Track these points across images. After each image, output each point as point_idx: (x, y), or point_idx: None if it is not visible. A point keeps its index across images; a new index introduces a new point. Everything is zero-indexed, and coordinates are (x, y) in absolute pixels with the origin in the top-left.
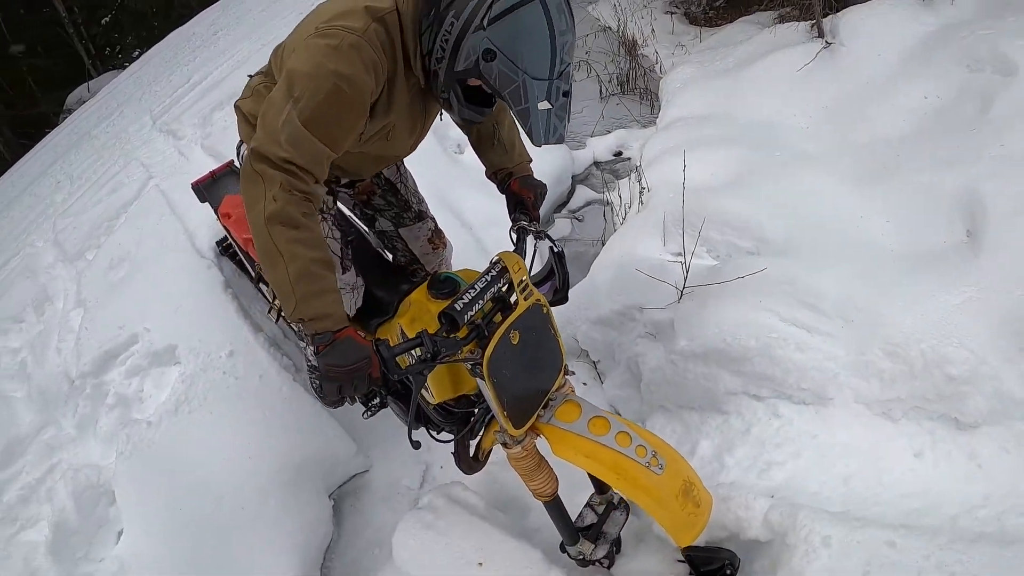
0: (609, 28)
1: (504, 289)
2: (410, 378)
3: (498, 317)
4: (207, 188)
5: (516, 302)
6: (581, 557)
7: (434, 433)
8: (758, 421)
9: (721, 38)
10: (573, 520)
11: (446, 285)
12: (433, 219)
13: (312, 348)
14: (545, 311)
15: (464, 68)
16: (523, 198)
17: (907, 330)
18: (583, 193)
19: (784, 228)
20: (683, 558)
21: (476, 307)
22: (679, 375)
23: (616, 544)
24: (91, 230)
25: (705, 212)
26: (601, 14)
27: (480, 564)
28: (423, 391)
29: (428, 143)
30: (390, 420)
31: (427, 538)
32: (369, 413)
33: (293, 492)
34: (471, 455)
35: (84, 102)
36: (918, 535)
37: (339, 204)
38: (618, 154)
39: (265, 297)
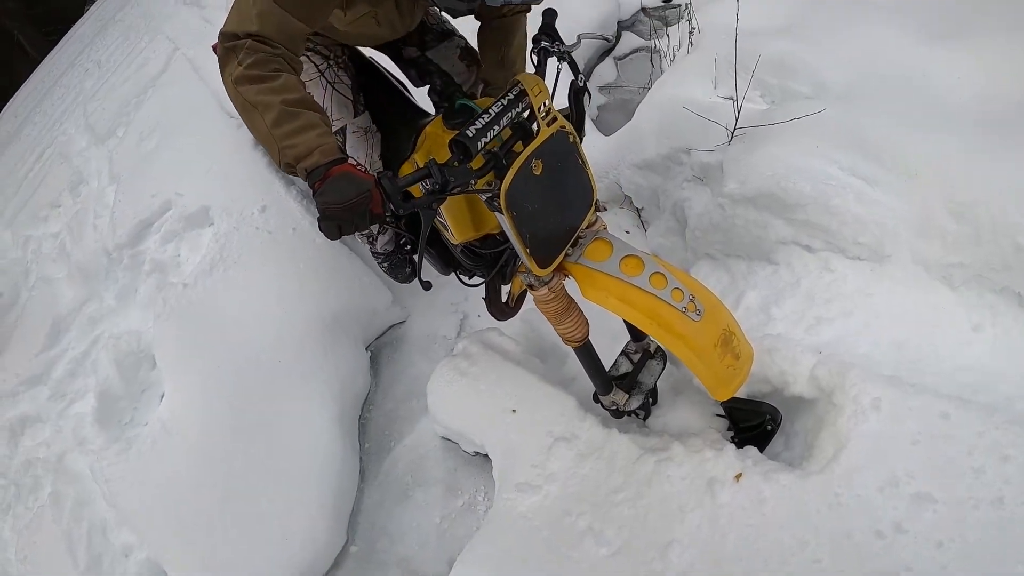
0: None
1: (525, 115)
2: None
3: (518, 146)
4: None
5: (538, 129)
6: (615, 408)
7: (464, 278)
8: (809, 274)
9: None
10: (607, 369)
11: (461, 113)
12: (463, 37)
13: (310, 188)
14: (572, 139)
15: None
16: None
17: (976, 191)
18: (629, 40)
19: (845, 74)
20: (722, 412)
21: (491, 133)
22: (727, 220)
23: (652, 395)
24: (120, 108)
25: (759, 53)
26: None
27: (514, 411)
28: (444, 230)
29: None
30: (427, 270)
31: (461, 385)
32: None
33: (330, 344)
34: (503, 301)
35: None
36: (974, 410)
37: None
38: (667, 0)
39: None
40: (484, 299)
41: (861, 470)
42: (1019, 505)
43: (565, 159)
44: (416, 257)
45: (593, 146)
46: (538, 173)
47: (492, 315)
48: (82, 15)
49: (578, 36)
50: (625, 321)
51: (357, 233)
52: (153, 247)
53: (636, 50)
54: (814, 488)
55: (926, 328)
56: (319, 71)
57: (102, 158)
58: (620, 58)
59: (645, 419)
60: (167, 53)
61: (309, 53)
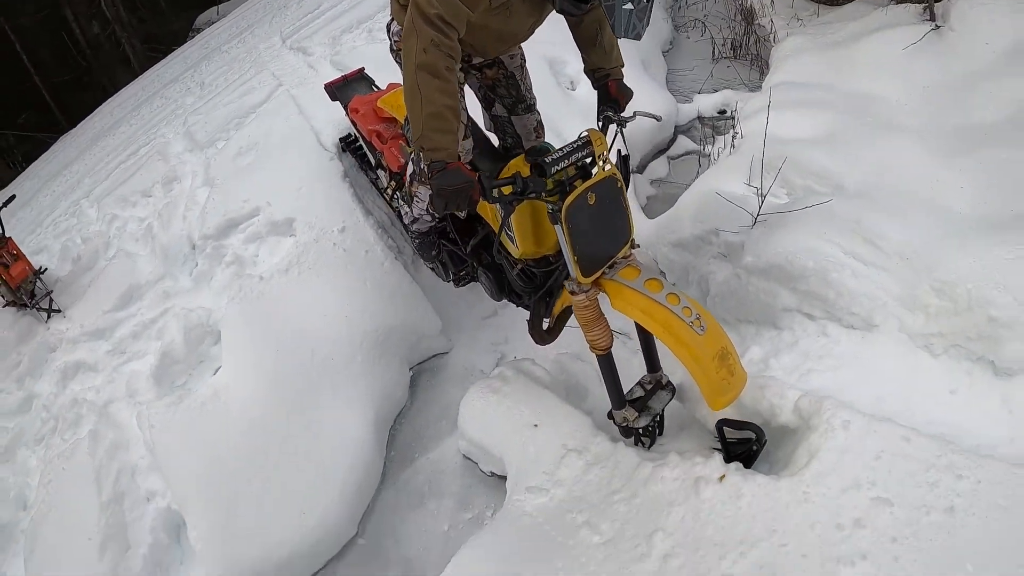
0: None
1: (588, 161)
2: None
3: (579, 182)
4: (339, 89)
5: (595, 172)
6: (625, 424)
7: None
8: (807, 336)
9: (838, 15)
10: (624, 395)
11: (540, 152)
12: (539, 113)
13: (428, 173)
14: (619, 185)
15: None
16: (617, 99)
17: (958, 271)
18: (683, 143)
19: (861, 180)
20: (716, 433)
21: (561, 164)
22: (742, 288)
23: (659, 425)
24: (221, 124)
25: (789, 157)
26: None
27: (535, 426)
28: (510, 243)
29: (543, 76)
30: (475, 309)
31: (491, 401)
32: (460, 283)
33: (379, 355)
34: (544, 328)
35: (213, 23)
36: (935, 440)
37: (467, 86)
38: (722, 112)
39: (379, 182)
40: (528, 321)
41: (828, 475)
42: (969, 515)
43: (614, 198)
44: (443, 244)
45: (638, 226)
46: (591, 203)
47: (533, 338)
48: (187, 40)
49: (634, 112)
50: (643, 351)
51: (405, 215)
52: (237, 243)
53: (688, 152)
54: (786, 487)
55: (906, 388)
56: None
57: (198, 163)
58: (673, 158)
59: (649, 447)
60: (271, 87)
61: None
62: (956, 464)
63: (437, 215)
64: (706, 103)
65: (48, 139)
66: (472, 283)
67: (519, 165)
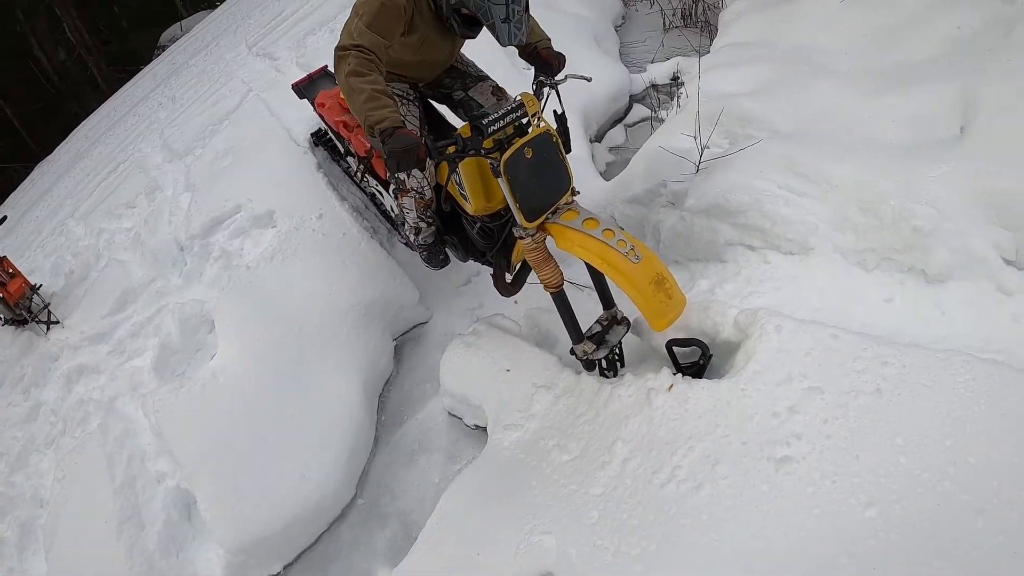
0: None
1: (524, 122)
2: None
3: (518, 140)
4: (306, 87)
5: (531, 129)
6: (585, 357)
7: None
8: (749, 265)
9: None
10: (584, 332)
11: (481, 117)
12: (493, 80)
13: (381, 141)
14: (554, 140)
15: (456, 1)
16: (548, 61)
17: (881, 191)
18: (639, 111)
19: (795, 122)
20: (667, 351)
21: (498, 125)
22: (687, 229)
23: (620, 358)
24: (197, 133)
25: (727, 108)
26: None
27: (508, 370)
28: (464, 201)
29: (503, 62)
30: (451, 279)
31: (467, 355)
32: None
33: (363, 326)
34: (508, 281)
35: (178, 39)
36: (862, 335)
37: (422, 96)
38: (675, 78)
39: (350, 168)
40: (492, 275)
41: (763, 372)
42: (895, 395)
43: (550, 151)
44: (446, 249)
45: (595, 188)
46: (528, 156)
47: (498, 290)
48: (153, 58)
49: (566, 75)
50: (597, 290)
51: (407, 230)
52: (222, 239)
53: (643, 119)
54: (726, 387)
55: (843, 301)
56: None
57: (178, 171)
58: (629, 125)
59: (613, 377)
60: (241, 93)
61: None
62: (882, 354)
63: (392, 172)
64: (659, 71)
65: (24, 168)
66: (447, 267)
67: (463, 130)
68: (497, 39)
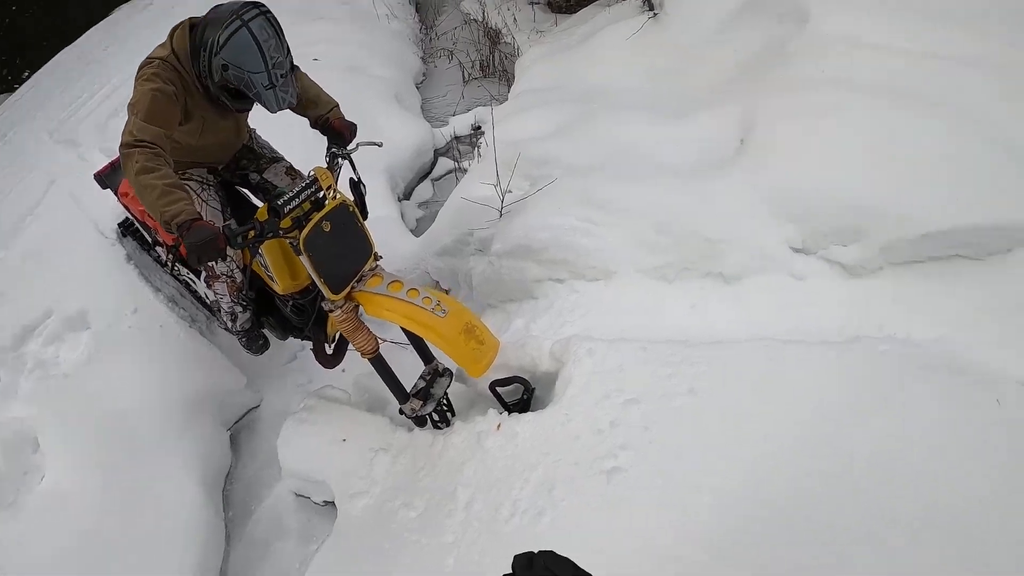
0: (475, 20)
1: (320, 196)
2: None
3: (315, 215)
4: (107, 177)
5: (327, 202)
6: (414, 414)
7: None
8: (559, 297)
9: (573, 21)
10: (409, 391)
11: (278, 196)
12: (288, 161)
13: (179, 235)
14: (351, 210)
15: (219, 79)
16: (341, 131)
17: (671, 209)
18: (444, 164)
19: (589, 157)
20: (492, 393)
21: (294, 204)
22: (496, 273)
23: (449, 408)
24: None
25: (523, 153)
26: (469, 8)
27: (344, 440)
28: (271, 282)
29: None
30: (275, 359)
31: (302, 431)
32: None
33: (193, 419)
34: (328, 353)
35: None
36: (668, 343)
37: (223, 180)
38: (477, 128)
39: (160, 258)
40: (311, 350)
41: (581, 395)
42: (708, 393)
43: (347, 222)
44: (264, 332)
45: (405, 246)
46: (327, 230)
47: (320, 363)
48: None
49: (357, 143)
50: (415, 348)
51: (223, 315)
52: (36, 348)
53: (449, 171)
54: (550, 416)
55: (651, 314)
56: (196, 193)
57: None
58: (436, 179)
59: (446, 427)
60: (43, 185)
61: (189, 182)
62: (690, 356)
63: (195, 266)
64: (460, 123)
65: None
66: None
67: (261, 213)
68: (266, 108)
